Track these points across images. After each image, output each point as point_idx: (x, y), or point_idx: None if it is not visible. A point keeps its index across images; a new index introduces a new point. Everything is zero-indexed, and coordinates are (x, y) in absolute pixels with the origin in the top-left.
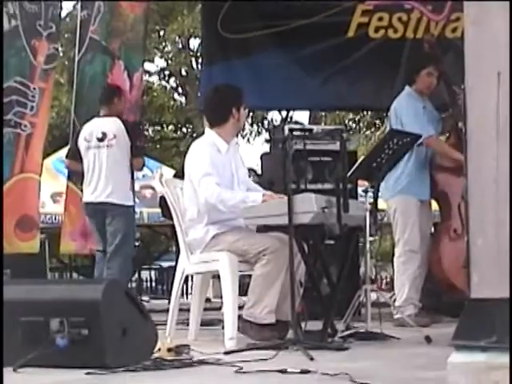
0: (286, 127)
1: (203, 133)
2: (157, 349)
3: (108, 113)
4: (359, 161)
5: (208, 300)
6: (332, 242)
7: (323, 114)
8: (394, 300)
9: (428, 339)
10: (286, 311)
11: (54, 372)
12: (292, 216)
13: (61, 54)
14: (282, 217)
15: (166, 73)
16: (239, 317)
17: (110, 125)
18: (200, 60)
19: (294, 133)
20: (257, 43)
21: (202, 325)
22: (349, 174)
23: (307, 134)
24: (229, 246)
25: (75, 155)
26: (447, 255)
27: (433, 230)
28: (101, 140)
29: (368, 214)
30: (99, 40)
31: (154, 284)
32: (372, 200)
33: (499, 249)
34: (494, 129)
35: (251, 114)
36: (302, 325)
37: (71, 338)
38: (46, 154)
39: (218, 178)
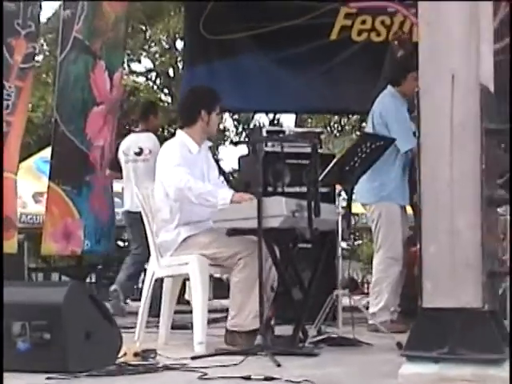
0: (264, 130)
1: None
2: (123, 353)
3: (144, 128)
4: (331, 164)
5: (188, 302)
6: (308, 245)
7: (309, 116)
8: (367, 306)
9: (399, 345)
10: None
11: (14, 376)
12: (261, 219)
13: (47, 54)
14: (251, 220)
15: (153, 73)
16: (226, 330)
17: (146, 140)
18: None
19: (267, 135)
20: (240, 45)
21: (177, 328)
22: (321, 177)
23: (280, 136)
24: (200, 248)
25: (115, 167)
26: None
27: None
28: (138, 154)
29: (340, 218)
30: (83, 39)
31: None
32: (346, 204)
33: (453, 257)
34: (448, 133)
35: (235, 116)
36: (273, 330)
37: (33, 341)
38: (30, 154)
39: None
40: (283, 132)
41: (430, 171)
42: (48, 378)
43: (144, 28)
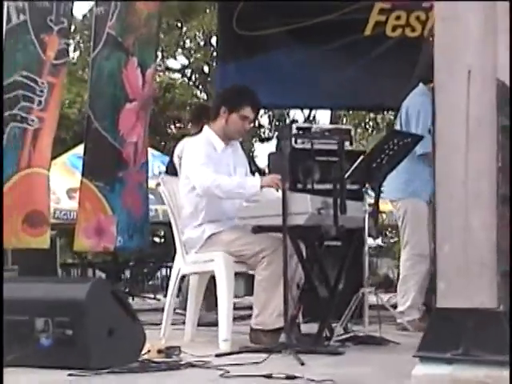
0: (294, 126)
1: None
2: (146, 350)
3: (198, 131)
4: (358, 161)
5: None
6: (337, 243)
7: (344, 113)
8: (395, 304)
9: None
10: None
11: (35, 372)
12: (286, 217)
13: (83, 50)
14: (276, 217)
15: (189, 70)
16: (251, 329)
17: None
18: None
19: (294, 132)
20: (273, 41)
21: (205, 325)
22: (347, 174)
23: (304, 133)
24: (225, 246)
25: (172, 171)
26: None
27: None
28: None
29: (367, 215)
30: (116, 36)
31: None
32: (373, 201)
33: (467, 256)
34: (463, 129)
35: (270, 112)
36: (299, 328)
37: (56, 338)
38: (66, 150)
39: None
40: (310, 129)
41: (444, 168)
42: (70, 375)
43: (179, 25)
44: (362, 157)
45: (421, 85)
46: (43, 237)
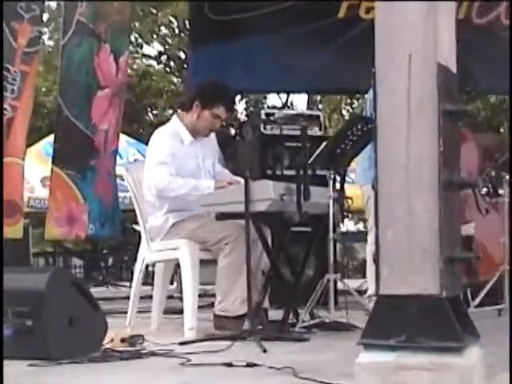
0: (263, 112)
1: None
2: (110, 339)
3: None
4: (321, 147)
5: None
6: (307, 229)
7: (320, 98)
8: (365, 289)
9: None
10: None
11: None
12: (248, 203)
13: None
14: (238, 204)
15: (164, 57)
16: (214, 315)
17: None
18: None
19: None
20: (246, 25)
21: (173, 312)
22: (310, 160)
23: (268, 118)
24: (189, 233)
25: None
26: None
27: None
28: None
29: (332, 201)
30: (86, 23)
31: None
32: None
33: (410, 241)
34: (405, 114)
35: (245, 98)
36: (263, 314)
37: (16, 328)
38: (41, 138)
39: (177, 169)
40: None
41: (386, 153)
42: (30, 365)
43: (155, 11)
44: (325, 142)
45: None
46: (16, 226)
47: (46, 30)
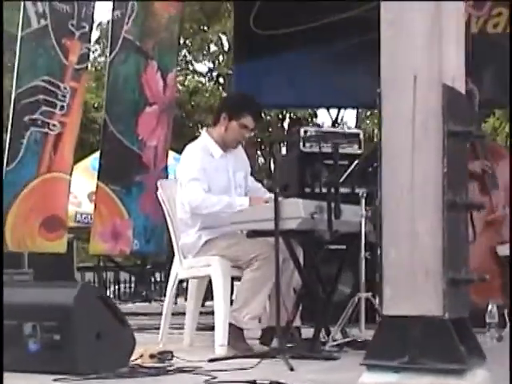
0: (302, 130)
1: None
2: (139, 355)
3: None
4: (353, 165)
5: None
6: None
7: (369, 115)
8: None
9: None
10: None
11: (23, 377)
12: (278, 221)
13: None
14: (268, 222)
15: (214, 73)
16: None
17: None
18: None
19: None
20: (291, 39)
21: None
22: (342, 178)
23: (312, 136)
24: (221, 251)
25: None
26: None
27: None
28: None
29: (364, 220)
30: (133, 40)
31: None
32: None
33: (413, 262)
34: (409, 135)
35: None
36: (295, 332)
37: (43, 342)
38: (91, 153)
39: (209, 183)
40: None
41: (390, 174)
42: (55, 380)
43: (204, 28)
44: (356, 161)
45: None
46: (60, 241)
47: (97, 47)
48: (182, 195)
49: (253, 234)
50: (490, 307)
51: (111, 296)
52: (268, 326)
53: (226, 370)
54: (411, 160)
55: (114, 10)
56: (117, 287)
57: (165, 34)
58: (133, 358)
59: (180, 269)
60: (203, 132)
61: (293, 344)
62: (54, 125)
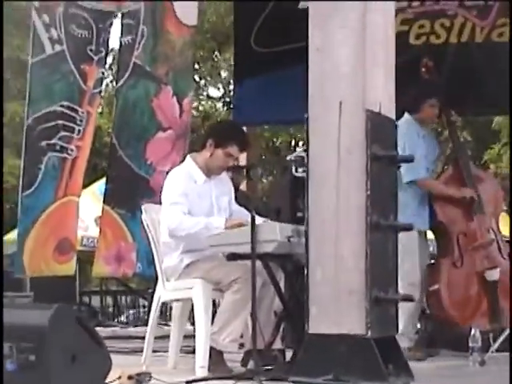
0: (294, 154)
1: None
2: (118, 376)
3: None
4: None
5: None
6: None
7: None
8: None
9: None
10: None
11: None
12: (255, 245)
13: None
14: (246, 245)
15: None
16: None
17: None
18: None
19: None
20: (291, 56)
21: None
22: None
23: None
24: (202, 273)
25: None
26: (445, 288)
27: (432, 261)
28: None
29: None
30: (142, 65)
31: None
32: None
33: (338, 282)
34: (335, 159)
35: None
36: (279, 355)
37: (19, 363)
38: (96, 178)
39: (191, 208)
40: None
41: (316, 196)
42: None
43: (215, 55)
44: None
45: (406, 114)
46: (70, 263)
47: (109, 72)
48: (162, 219)
49: (231, 257)
50: (473, 331)
51: (125, 320)
52: (249, 349)
53: None
54: (336, 183)
55: (123, 35)
56: (134, 311)
57: (179, 59)
58: (111, 379)
59: (163, 292)
60: (188, 157)
61: (273, 366)
62: (71, 149)
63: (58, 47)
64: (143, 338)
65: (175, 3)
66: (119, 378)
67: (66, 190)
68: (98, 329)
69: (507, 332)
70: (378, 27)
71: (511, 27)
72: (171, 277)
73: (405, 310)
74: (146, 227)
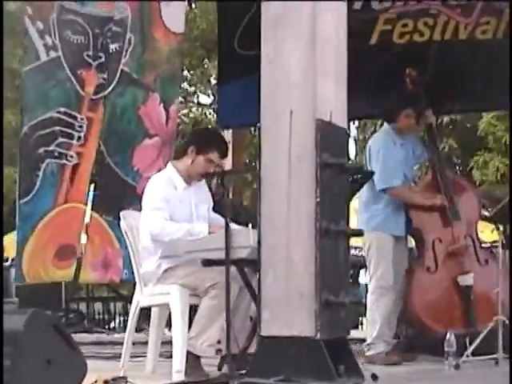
0: None
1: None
2: (94, 381)
3: None
4: None
5: None
6: None
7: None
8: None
9: (374, 377)
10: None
11: None
12: (229, 251)
13: None
14: (221, 251)
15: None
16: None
17: None
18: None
19: None
20: None
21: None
22: None
23: None
24: (180, 279)
25: None
26: (419, 293)
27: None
28: None
29: None
30: (130, 73)
31: None
32: None
33: (288, 286)
34: (285, 167)
35: None
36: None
37: None
38: None
39: (172, 214)
40: None
41: (268, 203)
42: None
43: (204, 62)
44: None
45: (385, 124)
46: (69, 269)
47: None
48: (143, 224)
49: (207, 262)
50: (448, 336)
51: (117, 326)
52: (226, 354)
53: None
54: (287, 190)
55: (112, 42)
56: (125, 317)
57: (166, 66)
58: (87, 383)
59: (141, 297)
60: (168, 164)
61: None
62: (71, 156)
63: (53, 53)
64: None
65: (163, 11)
66: (95, 382)
67: (67, 196)
68: (83, 335)
69: (480, 337)
70: (329, 36)
71: (511, 26)
72: (149, 282)
73: (380, 314)
74: (124, 234)
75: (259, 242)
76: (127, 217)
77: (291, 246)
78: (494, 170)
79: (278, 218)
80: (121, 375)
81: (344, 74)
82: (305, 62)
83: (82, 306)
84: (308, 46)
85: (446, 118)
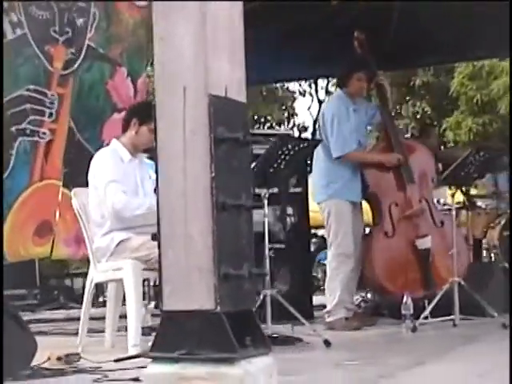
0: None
1: None
2: (47, 358)
3: None
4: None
5: None
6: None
7: None
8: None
9: (326, 343)
10: None
11: None
12: None
13: None
14: None
15: None
16: None
17: None
18: None
19: None
20: (250, 17)
21: None
22: None
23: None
24: (133, 252)
25: None
26: (378, 257)
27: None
28: None
29: (266, 220)
30: (96, 48)
31: None
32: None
33: (188, 262)
34: (181, 143)
35: None
36: None
37: None
38: None
39: (124, 186)
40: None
41: (165, 179)
42: None
43: None
44: (255, 162)
45: (338, 89)
46: (47, 245)
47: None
48: (101, 198)
49: (154, 237)
50: (405, 299)
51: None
52: None
53: (126, 369)
54: (183, 166)
55: (77, 17)
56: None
57: (132, 39)
58: (40, 361)
59: (95, 273)
60: (113, 140)
61: None
62: (43, 133)
63: (18, 31)
64: (99, 318)
65: None
66: (48, 359)
67: (43, 173)
68: (56, 311)
69: (436, 299)
70: (222, 11)
71: (511, 26)
72: (102, 257)
73: (340, 281)
74: (76, 212)
75: (158, 220)
76: (78, 194)
77: (189, 221)
78: (467, 129)
79: (175, 194)
80: (78, 351)
81: (241, 48)
82: (197, 38)
83: (62, 283)
84: (199, 24)
85: (418, 81)
